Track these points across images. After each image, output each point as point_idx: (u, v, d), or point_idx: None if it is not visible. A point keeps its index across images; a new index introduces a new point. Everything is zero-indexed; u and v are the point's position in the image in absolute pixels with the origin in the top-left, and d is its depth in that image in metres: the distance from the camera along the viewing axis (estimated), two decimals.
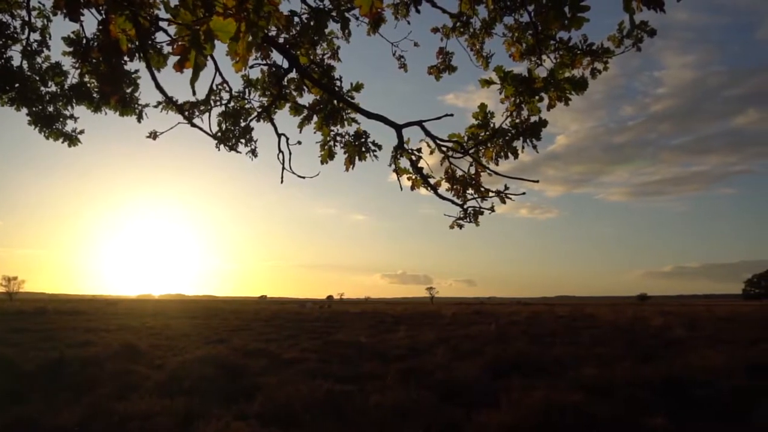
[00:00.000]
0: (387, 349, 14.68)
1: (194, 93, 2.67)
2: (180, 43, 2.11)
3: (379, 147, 4.89)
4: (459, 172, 4.35)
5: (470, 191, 4.33)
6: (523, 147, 3.84)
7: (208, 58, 2.55)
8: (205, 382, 8.99)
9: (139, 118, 4.35)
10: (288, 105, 5.02)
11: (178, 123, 4.36)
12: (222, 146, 4.77)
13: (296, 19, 4.24)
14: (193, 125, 3.95)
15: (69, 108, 5.53)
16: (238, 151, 5.20)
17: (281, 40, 4.41)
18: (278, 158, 5.03)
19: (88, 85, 5.20)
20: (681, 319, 32.73)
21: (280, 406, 6.99)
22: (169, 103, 4.45)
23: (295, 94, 4.95)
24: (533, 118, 3.70)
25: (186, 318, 35.00)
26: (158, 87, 3.85)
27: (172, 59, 2.26)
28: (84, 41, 4.63)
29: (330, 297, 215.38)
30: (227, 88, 4.85)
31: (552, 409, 6.54)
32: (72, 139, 5.63)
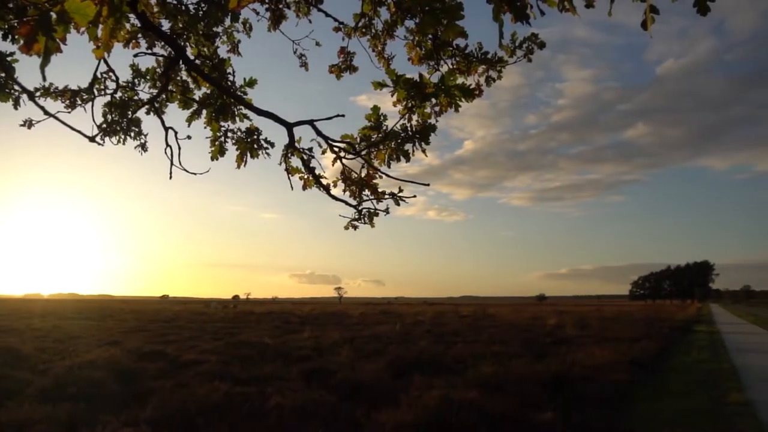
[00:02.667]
0: (291, 350, 14.53)
1: (44, 78, 2.47)
2: (27, 22, 1.94)
3: (272, 144, 4.81)
4: (355, 174, 4.37)
5: (366, 192, 4.37)
6: (413, 150, 3.92)
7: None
8: (95, 387, 8.49)
9: (16, 105, 4.02)
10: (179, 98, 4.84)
11: (58, 112, 4.08)
12: (108, 139, 4.52)
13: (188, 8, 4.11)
14: (61, 121, 3.68)
15: None
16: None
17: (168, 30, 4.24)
18: (166, 153, 4.82)
19: None
20: (574, 318, 34.73)
21: (174, 410, 6.72)
22: (48, 90, 4.16)
23: (183, 87, 4.78)
24: (429, 121, 3.80)
25: (78, 319, 33.07)
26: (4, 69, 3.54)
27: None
28: None
29: (236, 297, 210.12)
30: (113, 77, 4.59)
31: (448, 406, 6.71)
32: None
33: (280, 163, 4.53)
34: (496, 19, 2.39)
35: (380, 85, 3.73)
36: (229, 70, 4.71)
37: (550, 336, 20.41)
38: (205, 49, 4.63)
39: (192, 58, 4.50)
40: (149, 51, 4.44)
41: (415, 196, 4.27)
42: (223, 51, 5.03)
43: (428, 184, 4.11)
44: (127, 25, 4.16)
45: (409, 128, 3.84)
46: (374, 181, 4.30)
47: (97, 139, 4.41)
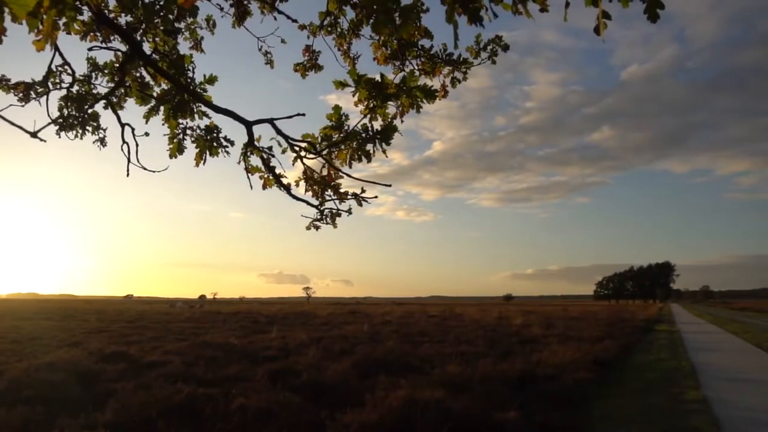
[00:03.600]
0: (257, 350, 14.38)
1: None
2: None
3: (231, 143, 4.74)
4: (323, 173, 4.34)
5: (329, 192, 4.34)
6: (374, 151, 3.90)
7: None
8: (53, 389, 8.27)
9: None
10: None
11: (10, 105, 3.93)
12: (63, 134, 4.38)
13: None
14: (5, 119, 3.55)
15: None
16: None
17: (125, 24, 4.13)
18: (122, 150, 4.70)
19: None
20: (539, 318, 35.25)
21: (135, 413, 6.58)
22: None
23: (141, 82, 4.66)
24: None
25: (38, 319, 32.19)
26: None
27: None
28: None
29: (203, 297, 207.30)
30: (69, 71, 4.46)
31: (412, 406, 6.72)
32: None
33: (239, 162, 4.47)
34: (450, 20, 2.40)
35: (342, 85, 3.71)
36: (190, 66, 4.62)
37: (516, 335, 20.66)
38: (164, 45, 4.53)
39: (149, 53, 4.39)
40: (103, 45, 4.32)
41: (376, 197, 4.26)
42: (185, 47, 4.96)
43: (390, 185, 4.11)
44: (84, 18, 4.05)
45: (370, 128, 3.83)
46: (338, 181, 4.28)
47: (53, 133, 4.30)
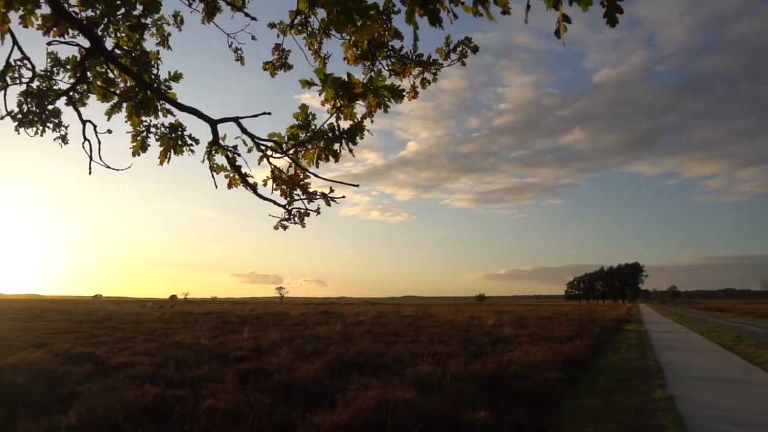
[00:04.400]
0: (228, 351, 14.23)
1: None
2: None
3: (196, 141, 4.66)
4: (290, 172, 4.29)
5: (297, 192, 4.30)
6: (340, 150, 3.88)
7: None
8: (15, 391, 8.06)
9: None
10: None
11: None
12: (23, 130, 4.26)
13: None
14: None
15: None
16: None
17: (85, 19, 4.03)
18: (83, 147, 4.60)
19: None
20: (512, 318, 35.58)
21: (100, 415, 6.45)
22: None
23: (104, 78, 4.56)
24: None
25: (2, 319, 31.41)
26: None
27: None
28: None
29: (174, 297, 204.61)
30: (29, 65, 4.34)
31: (384, 406, 6.72)
32: None
33: (203, 161, 4.41)
34: (410, 21, 2.39)
35: (308, 84, 3.69)
36: (156, 63, 4.53)
37: (489, 335, 20.80)
38: (128, 41, 4.43)
39: (111, 48, 4.30)
40: (62, 39, 4.20)
41: (344, 197, 4.24)
42: (152, 44, 4.86)
43: (357, 185, 4.09)
44: (44, 11, 3.94)
45: (336, 128, 3.81)
46: (306, 180, 4.25)
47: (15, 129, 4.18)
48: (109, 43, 4.29)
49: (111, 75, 4.54)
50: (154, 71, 4.52)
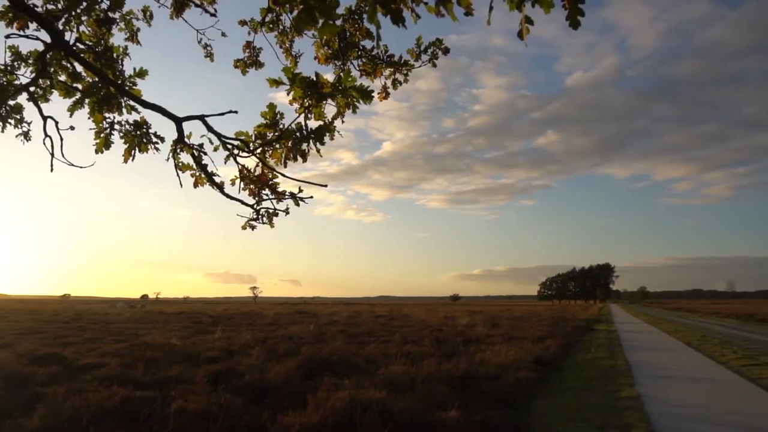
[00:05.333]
0: (199, 352, 14.05)
1: None
2: None
3: (162, 139, 4.58)
4: (257, 172, 4.24)
5: (266, 192, 4.26)
6: (308, 150, 3.85)
7: None
8: None
9: None
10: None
11: None
12: None
13: None
14: None
15: None
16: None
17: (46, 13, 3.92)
18: (44, 144, 4.50)
19: None
20: (485, 318, 35.87)
21: (65, 418, 6.30)
22: None
23: (68, 73, 4.45)
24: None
25: None
26: None
27: None
28: None
29: (145, 296, 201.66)
30: None
31: (355, 407, 6.70)
32: None
33: (168, 159, 4.34)
34: (371, 20, 2.39)
35: (276, 83, 3.65)
36: (121, 59, 4.43)
37: (461, 335, 20.91)
38: (93, 35, 4.33)
39: (72, 43, 4.19)
40: (21, 33, 4.09)
41: (312, 197, 4.21)
42: (120, 39, 4.76)
43: (326, 185, 4.07)
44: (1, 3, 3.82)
45: (304, 128, 3.78)
46: (275, 180, 4.21)
47: None
48: (71, 38, 4.18)
49: (77, 70, 4.45)
50: (120, 67, 4.43)
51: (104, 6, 4.07)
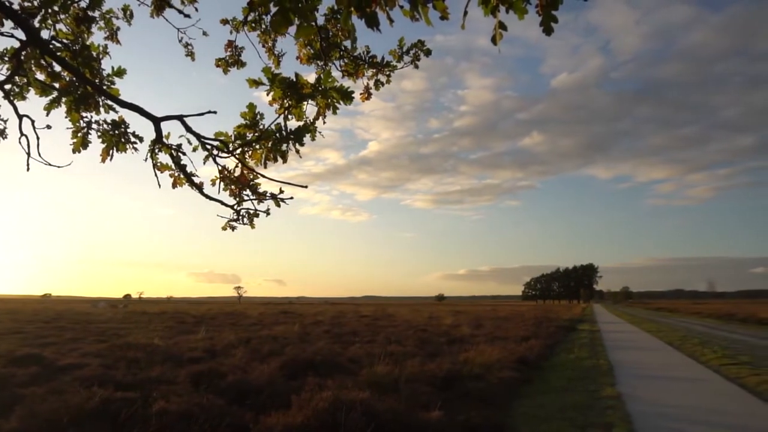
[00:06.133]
0: (182, 352, 13.94)
1: None
2: None
3: (140, 139, 4.54)
4: (237, 172, 4.21)
5: (247, 192, 4.23)
6: (288, 151, 3.83)
7: None
8: None
9: None
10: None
11: None
12: None
13: None
14: None
15: None
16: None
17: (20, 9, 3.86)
18: (20, 143, 4.43)
19: None
20: (469, 318, 36.01)
21: (44, 420, 6.22)
22: None
23: (46, 72, 4.38)
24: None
25: None
26: None
27: None
28: None
29: (128, 296, 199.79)
30: None
31: (338, 407, 6.69)
32: None
33: (146, 159, 4.30)
34: (345, 24, 2.39)
35: (256, 83, 3.63)
36: (100, 57, 4.38)
37: (446, 335, 20.97)
38: (68, 33, 4.27)
39: (48, 40, 4.13)
40: None
41: (292, 198, 4.19)
42: (99, 37, 4.70)
43: (306, 186, 4.06)
44: None
45: (284, 128, 3.76)
46: (256, 181, 4.18)
47: None
48: (46, 35, 4.12)
49: (56, 68, 4.39)
50: (98, 66, 4.37)
51: (83, 5, 4.02)
